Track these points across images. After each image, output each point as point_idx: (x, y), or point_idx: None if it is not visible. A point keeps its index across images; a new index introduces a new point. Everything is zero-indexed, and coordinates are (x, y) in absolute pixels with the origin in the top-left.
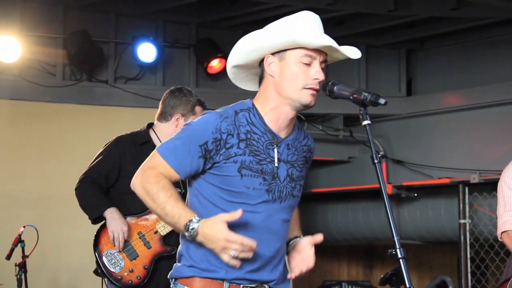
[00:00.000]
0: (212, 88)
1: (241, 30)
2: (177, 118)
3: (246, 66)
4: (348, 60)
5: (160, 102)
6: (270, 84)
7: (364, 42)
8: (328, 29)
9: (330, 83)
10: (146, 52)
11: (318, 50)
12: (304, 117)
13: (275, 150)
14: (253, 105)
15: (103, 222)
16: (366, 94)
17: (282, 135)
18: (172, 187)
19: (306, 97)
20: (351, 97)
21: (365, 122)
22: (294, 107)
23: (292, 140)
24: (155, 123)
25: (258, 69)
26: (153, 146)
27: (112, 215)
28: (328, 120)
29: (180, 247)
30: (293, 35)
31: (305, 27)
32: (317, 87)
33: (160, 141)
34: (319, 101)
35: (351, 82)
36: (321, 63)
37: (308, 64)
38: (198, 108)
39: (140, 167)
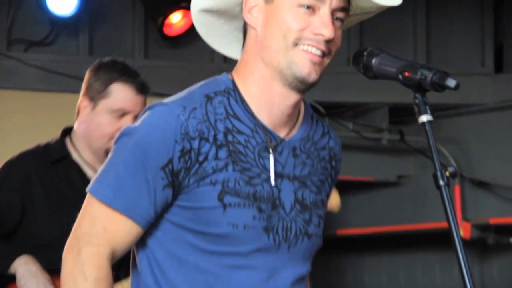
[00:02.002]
0: (170, 60)
1: None
2: (84, 106)
3: (222, 11)
4: (395, 16)
5: (83, 85)
6: (251, 42)
7: None
8: None
9: (365, 53)
10: None
11: None
12: (323, 109)
13: (271, 158)
14: (233, 83)
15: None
16: (425, 71)
17: (282, 133)
18: None
19: (300, 61)
20: (400, 76)
21: (424, 118)
22: (287, 82)
23: (301, 141)
24: (74, 127)
25: (242, 19)
26: (72, 166)
27: (28, 267)
28: (364, 114)
29: None
30: None
31: None
32: (321, 47)
33: (83, 158)
34: (348, 82)
35: (402, 52)
36: (335, 11)
37: (312, 10)
38: (115, 87)
39: (72, 233)
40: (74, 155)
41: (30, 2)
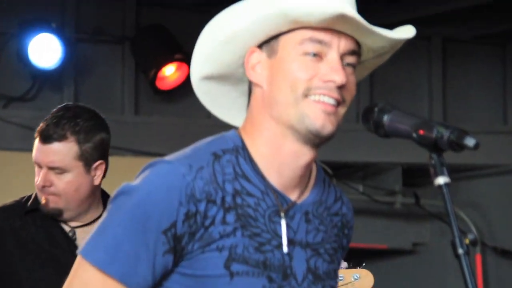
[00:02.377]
0: (163, 116)
1: (219, 11)
2: None
3: (225, 75)
4: (408, 67)
5: None
6: (258, 101)
7: (439, 33)
8: (372, 9)
9: (376, 109)
10: (45, 49)
11: (335, 32)
12: (330, 170)
13: (283, 223)
14: (242, 141)
15: None
16: (442, 129)
17: (293, 195)
18: None
19: (312, 113)
20: (414, 135)
21: (441, 180)
22: (300, 137)
23: (313, 205)
24: None
25: (247, 82)
26: (46, 217)
27: None
28: (375, 175)
29: None
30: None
31: None
32: (334, 95)
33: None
34: (358, 141)
35: (416, 107)
36: (344, 56)
37: (319, 57)
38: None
39: None
40: None
41: (10, 54)
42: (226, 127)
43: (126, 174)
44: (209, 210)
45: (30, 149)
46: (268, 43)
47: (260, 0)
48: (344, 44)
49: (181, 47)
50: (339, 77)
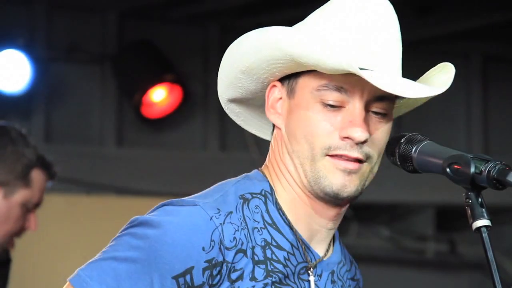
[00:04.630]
0: (150, 148)
1: (215, 23)
2: None
3: (253, 100)
4: (443, 93)
5: None
6: (278, 142)
7: (479, 49)
8: (399, 22)
9: (403, 140)
10: (10, 70)
11: (355, 78)
12: (351, 211)
13: (312, 281)
14: (269, 185)
15: None
16: (480, 163)
17: (320, 250)
18: None
19: (331, 173)
20: (448, 170)
21: (479, 224)
22: (318, 197)
23: (338, 265)
24: None
25: None
26: None
27: None
28: (403, 218)
29: None
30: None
31: (329, 23)
32: (354, 155)
33: None
34: (382, 177)
35: (450, 136)
36: (370, 102)
37: (337, 107)
38: (36, 174)
39: None
40: None
41: None
42: (227, 161)
43: (107, 216)
44: (238, 261)
45: None
46: (289, 78)
47: (262, 38)
48: (369, 90)
49: (171, 65)
50: (358, 134)
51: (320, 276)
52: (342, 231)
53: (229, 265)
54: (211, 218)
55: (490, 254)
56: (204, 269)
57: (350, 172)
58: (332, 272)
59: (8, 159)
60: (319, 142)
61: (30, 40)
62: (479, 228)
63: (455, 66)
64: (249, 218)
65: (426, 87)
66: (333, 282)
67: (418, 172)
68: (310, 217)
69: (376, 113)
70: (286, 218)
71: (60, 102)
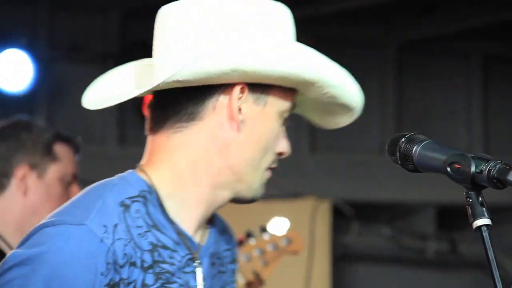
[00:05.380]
0: None
1: None
2: (23, 176)
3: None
4: (443, 91)
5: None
6: (207, 137)
7: (479, 49)
8: (400, 22)
9: (403, 139)
10: (13, 70)
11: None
12: (351, 210)
13: (199, 273)
14: (147, 185)
15: None
16: (481, 163)
17: (197, 236)
18: None
19: (262, 187)
20: (448, 169)
21: (480, 223)
22: (236, 198)
23: (214, 244)
24: None
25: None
26: None
27: None
28: (404, 217)
29: None
30: (316, 63)
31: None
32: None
33: (5, 240)
34: (382, 177)
35: (451, 136)
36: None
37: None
38: (60, 148)
39: None
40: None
41: None
42: None
43: None
44: (131, 275)
45: None
46: (259, 87)
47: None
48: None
49: None
50: (289, 149)
51: (201, 263)
52: (343, 231)
53: (125, 281)
54: (101, 240)
55: (490, 253)
56: None
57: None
58: (212, 255)
59: (27, 143)
60: (271, 155)
61: (32, 39)
62: (479, 227)
63: (455, 67)
64: (132, 227)
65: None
66: (212, 264)
67: (419, 171)
68: (203, 213)
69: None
70: (167, 214)
71: (62, 102)
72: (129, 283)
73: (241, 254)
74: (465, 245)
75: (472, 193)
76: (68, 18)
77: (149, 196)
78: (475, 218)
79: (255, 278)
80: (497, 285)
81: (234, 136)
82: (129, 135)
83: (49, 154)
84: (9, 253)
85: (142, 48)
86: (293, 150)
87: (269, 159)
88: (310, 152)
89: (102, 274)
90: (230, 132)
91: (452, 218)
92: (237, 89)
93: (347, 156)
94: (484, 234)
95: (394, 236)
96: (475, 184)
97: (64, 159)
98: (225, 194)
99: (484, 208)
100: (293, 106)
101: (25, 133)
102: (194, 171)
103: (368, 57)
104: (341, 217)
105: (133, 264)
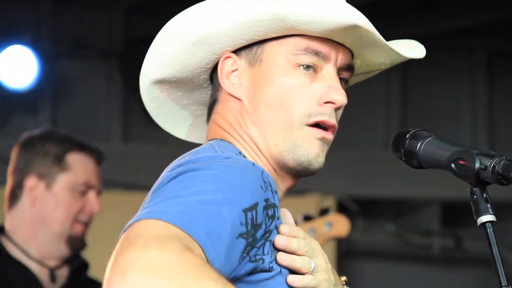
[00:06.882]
0: (157, 144)
1: None
2: (32, 187)
3: (183, 80)
4: (447, 87)
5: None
6: (234, 115)
7: (484, 45)
8: (403, 17)
9: (408, 135)
10: (17, 66)
11: (333, 43)
12: (355, 206)
13: None
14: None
15: None
16: (485, 159)
17: None
18: None
19: (308, 145)
20: (452, 165)
21: (484, 219)
22: (285, 167)
23: None
24: (8, 221)
25: (206, 89)
26: (11, 264)
27: None
28: (408, 213)
29: None
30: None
31: None
32: (333, 121)
33: (29, 253)
34: (387, 173)
35: (455, 132)
36: (340, 70)
37: (313, 71)
38: (74, 157)
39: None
40: (13, 252)
41: None
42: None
43: (113, 213)
44: (277, 207)
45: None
46: (249, 48)
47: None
48: (342, 58)
49: None
50: (341, 98)
51: None
52: None
53: (275, 209)
54: (253, 164)
55: (495, 249)
56: (264, 208)
57: (324, 142)
58: None
59: (38, 153)
60: (297, 109)
61: (36, 36)
62: (484, 224)
63: (460, 63)
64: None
65: (415, 49)
66: None
67: (423, 167)
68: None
69: (342, 80)
70: None
71: (66, 98)
72: (275, 217)
73: None
74: (470, 241)
75: (476, 189)
76: (72, 15)
77: None
78: (479, 215)
79: None
80: (502, 281)
81: (240, 106)
82: (133, 132)
83: (59, 164)
84: (25, 259)
85: (146, 44)
86: None
87: (296, 115)
88: None
89: (261, 187)
90: (237, 103)
91: (457, 215)
92: (226, 62)
93: (352, 152)
94: (488, 230)
95: (398, 233)
96: (479, 180)
97: (75, 169)
98: (287, 160)
99: (488, 205)
100: (319, 52)
101: (40, 144)
102: (245, 146)
103: None
104: (345, 214)
105: (276, 192)
